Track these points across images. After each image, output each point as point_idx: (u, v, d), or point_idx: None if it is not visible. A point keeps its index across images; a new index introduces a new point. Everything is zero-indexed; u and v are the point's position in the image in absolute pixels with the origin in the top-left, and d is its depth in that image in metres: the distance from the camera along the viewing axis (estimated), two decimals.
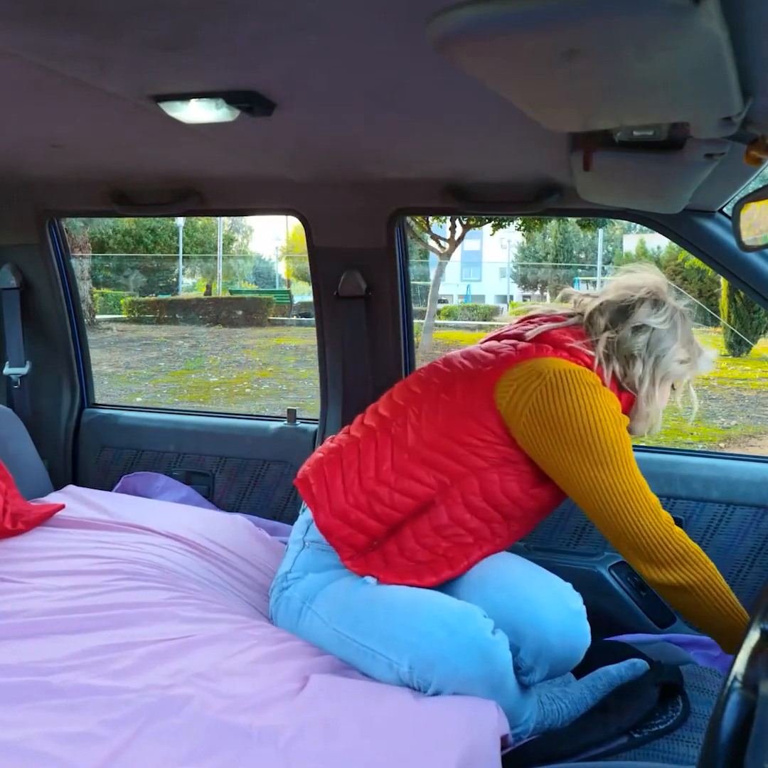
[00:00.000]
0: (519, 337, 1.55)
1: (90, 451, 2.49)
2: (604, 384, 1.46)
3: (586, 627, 1.40)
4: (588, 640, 1.40)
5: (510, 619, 1.36)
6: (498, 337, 1.61)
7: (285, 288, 20.99)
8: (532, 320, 1.61)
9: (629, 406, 1.53)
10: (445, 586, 1.47)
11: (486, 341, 1.63)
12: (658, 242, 18.42)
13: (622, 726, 1.40)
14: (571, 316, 1.58)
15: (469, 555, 1.47)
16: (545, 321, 1.58)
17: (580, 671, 1.61)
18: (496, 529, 1.48)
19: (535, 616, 1.36)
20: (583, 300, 1.60)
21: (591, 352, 1.49)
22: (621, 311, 1.53)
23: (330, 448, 1.56)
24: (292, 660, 1.34)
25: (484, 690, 1.28)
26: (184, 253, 20.12)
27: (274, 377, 10.18)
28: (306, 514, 1.57)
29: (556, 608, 1.38)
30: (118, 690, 1.18)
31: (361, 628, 1.38)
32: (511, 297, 23.30)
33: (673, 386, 1.57)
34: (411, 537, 1.45)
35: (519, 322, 1.63)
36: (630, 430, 1.52)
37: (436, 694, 1.29)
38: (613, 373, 1.50)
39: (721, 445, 6.80)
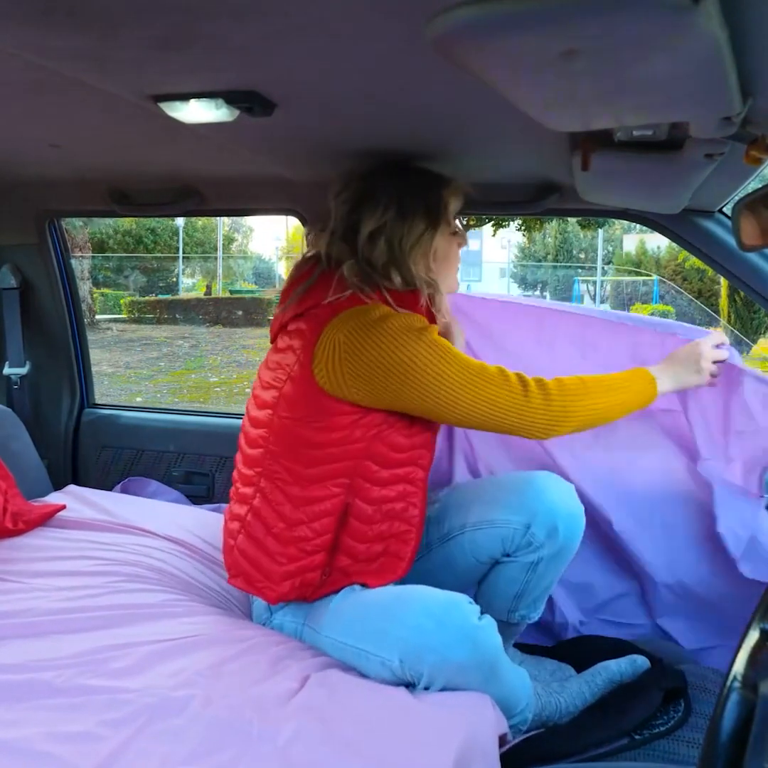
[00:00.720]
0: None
1: (90, 451, 2.49)
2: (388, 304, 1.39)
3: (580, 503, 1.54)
4: (583, 515, 1.54)
5: (520, 500, 1.50)
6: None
7: None
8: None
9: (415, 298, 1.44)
10: (442, 539, 1.57)
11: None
12: (658, 242, 18.43)
13: (623, 727, 1.41)
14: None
15: (410, 514, 1.46)
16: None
17: (579, 667, 1.61)
18: (411, 476, 1.47)
19: (542, 490, 1.51)
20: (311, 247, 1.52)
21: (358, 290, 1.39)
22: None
23: (231, 531, 1.51)
24: (291, 660, 1.34)
25: (476, 677, 1.29)
26: (184, 253, 20.12)
27: None
28: (257, 604, 1.54)
29: (555, 484, 1.53)
30: (118, 690, 1.18)
31: (352, 632, 1.38)
32: None
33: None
34: (353, 542, 1.44)
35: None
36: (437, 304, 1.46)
37: (428, 686, 1.29)
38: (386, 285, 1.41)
39: None
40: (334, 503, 1.41)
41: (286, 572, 1.42)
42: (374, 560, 1.45)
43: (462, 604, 1.33)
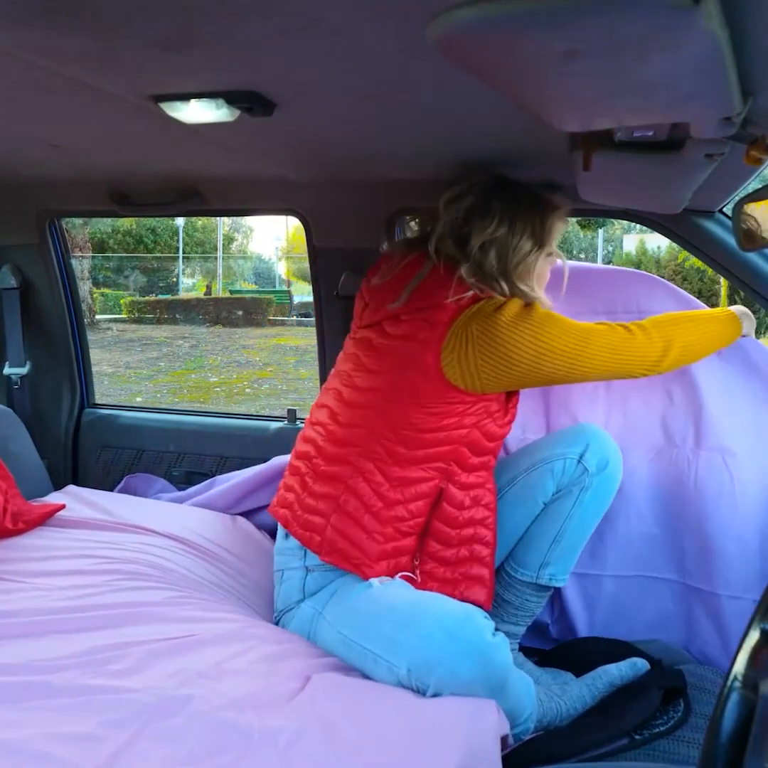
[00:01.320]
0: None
1: (90, 451, 2.49)
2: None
3: None
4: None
5: (573, 434, 1.64)
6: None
7: (285, 288, 20.98)
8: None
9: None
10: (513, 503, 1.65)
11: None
12: (658, 242, 18.42)
13: (623, 728, 1.41)
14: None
15: (487, 500, 1.56)
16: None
17: (579, 670, 1.61)
18: (489, 465, 1.59)
19: (593, 428, 1.65)
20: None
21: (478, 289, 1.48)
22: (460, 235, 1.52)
23: (319, 509, 1.52)
24: (293, 660, 1.34)
25: (483, 692, 1.29)
26: (184, 253, 20.13)
27: (274, 377, 10.18)
28: (291, 541, 1.56)
29: (602, 430, 1.66)
30: (118, 689, 1.18)
31: (364, 632, 1.38)
32: None
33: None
34: (444, 526, 1.51)
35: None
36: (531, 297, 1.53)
37: (435, 696, 1.29)
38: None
39: None
40: (431, 486, 1.49)
41: (383, 551, 1.47)
42: (458, 566, 1.52)
43: (476, 618, 1.34)
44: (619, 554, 1.80)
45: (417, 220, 1.67)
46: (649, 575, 1.79)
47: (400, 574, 1.48)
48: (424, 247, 1.53)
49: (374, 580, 1.45)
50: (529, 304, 1.48)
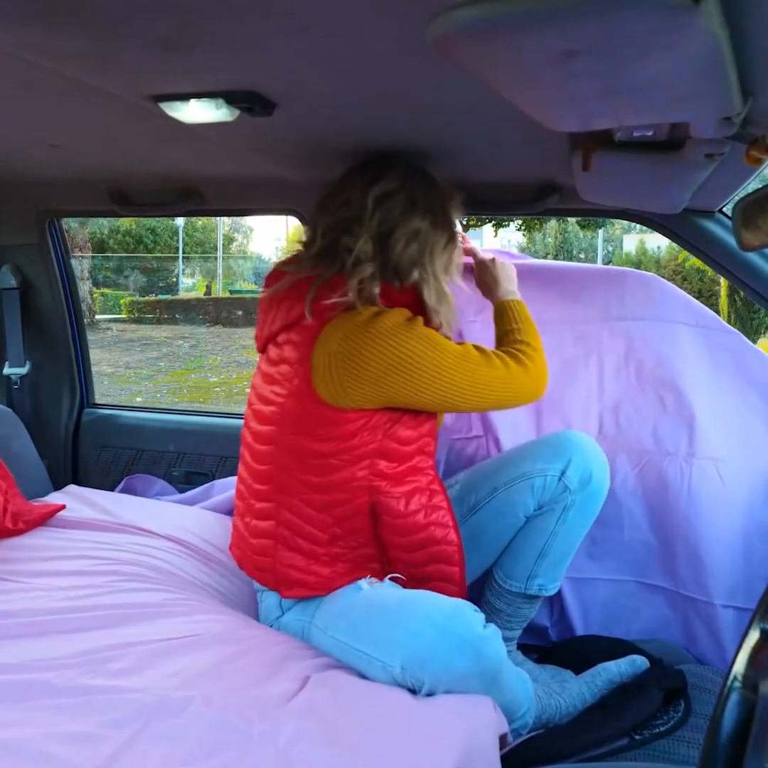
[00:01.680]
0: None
1: (90, 451, 2.49)
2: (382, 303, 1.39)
3: None
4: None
5: (554, 449, 1.56)
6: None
7: None
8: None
9: (414, 296, 1.46)
10: (472, 511, 1.61)
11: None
12: (658, 242, 18.42)
13: (623, 727, 1.41)
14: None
15: (438, 501, 1.49)
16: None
17: (578, 668, 1.61)
18: (421, 465, 1.49)
19: (576, 439, 1.58)
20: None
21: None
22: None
23: (264, 548, 1.48)
24: (292, 660, 1.34)
25: (478, 686, 1.28)
26: (184, 253, 20.12)
27: None
28: (267, 603, 1.53)
29: (586, 437, 1.60)
30: (118, 689, 1.18)
31: (356, 634, 1.38)
32: None
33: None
34: (393, 536, 1.46)
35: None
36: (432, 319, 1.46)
37: (430, 693, 1.29)
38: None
39: None
40: (359, 503, 1.43)
41: (343, 567, 1.44)
42: (426, 567, 1.47)
43: (466, 612, 1.33)
44: (615, 559, 1.80)
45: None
46: (644, 582, 1.79)
47: (389, 576, 1.46)
48: (327, 253, 1.44)
49: (363, 582, 1.44)
50: (411, 318, 1.39)
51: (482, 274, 1.67)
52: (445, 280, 1.48)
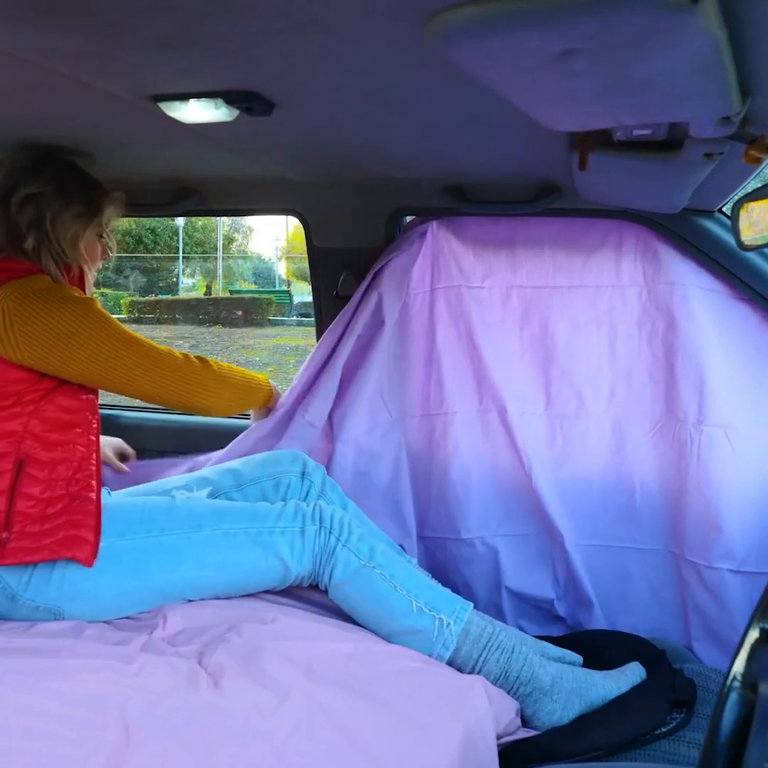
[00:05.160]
0: None
1: None
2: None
3: None
4: None
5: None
6: None
7: (285, 288, 20.98)
8: None
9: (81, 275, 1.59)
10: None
11: None
12: None
13: (625, 736, 1.39)
14: None
15: (86, 485, 1.49)
16: None
17: (587, 662, 1.59)
18: (81, 440, 1.51)
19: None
20: None
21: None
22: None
23: None
24: (287, 656, 1.34)
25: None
26: (184, 253, 20.15)
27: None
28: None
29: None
30: (117, 688, 1.18)
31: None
32: None
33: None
34: (30, 489, 1.44)
35: None
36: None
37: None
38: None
39: None
40: (8, 461, 1.43)
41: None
42: (55, 520, 1.43)
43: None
44: (625, 525, 1.82)
45: None
46: (654, 548, 1.80)
47: None
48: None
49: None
50: (86, 299, 1.51)
51: None
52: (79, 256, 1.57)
